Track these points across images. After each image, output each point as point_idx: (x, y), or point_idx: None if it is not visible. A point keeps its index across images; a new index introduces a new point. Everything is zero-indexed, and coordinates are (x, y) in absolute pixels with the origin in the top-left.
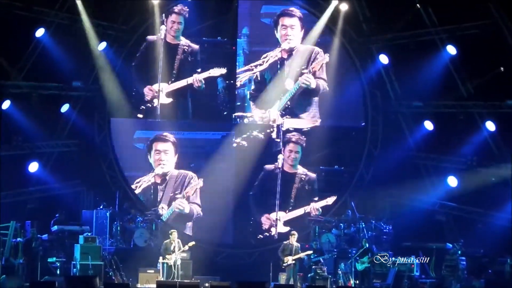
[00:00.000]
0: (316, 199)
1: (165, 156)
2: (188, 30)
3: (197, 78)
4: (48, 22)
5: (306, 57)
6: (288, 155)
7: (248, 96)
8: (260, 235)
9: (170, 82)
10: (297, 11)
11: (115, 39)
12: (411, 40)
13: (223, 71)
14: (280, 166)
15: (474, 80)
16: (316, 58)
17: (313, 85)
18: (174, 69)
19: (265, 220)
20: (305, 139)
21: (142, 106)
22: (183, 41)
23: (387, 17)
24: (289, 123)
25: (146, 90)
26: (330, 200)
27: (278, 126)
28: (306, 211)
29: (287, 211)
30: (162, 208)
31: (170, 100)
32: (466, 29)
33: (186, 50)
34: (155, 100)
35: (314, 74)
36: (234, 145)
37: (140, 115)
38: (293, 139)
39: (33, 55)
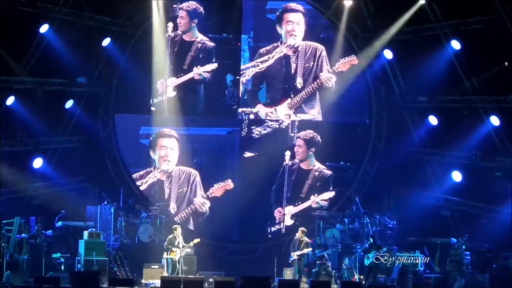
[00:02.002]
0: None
1: (171, 152)
2: (197, 26)
3: (196, 72)
4: (52, 18)
5: (312, 54)
6: (297, 150)
7: (250, 89)
8: (272, 227)
9: (178, 76)
10: (300, 7)
11: (119, 35)
12: (415, 35)
13: (214, 66)
14: (287, 162)
15: (479, 75)
16: (320, 55)
17: (332, 84)
18: (184, 65)
19: (277, 213)
20: (311, 135)
21: (155, 99)
22: (199, 37)
23: (391, 12)
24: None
25: (159, 84)
26: (326, 196)
27: (292, 121)
28: (307, 205)
29: (295, 205)
30: (170, 205)
31: (174, 93)
32: (471, 24)
33: (199, 47)
34: (164, 95)
35: (321, 70)
36: (242, 135)
37: (153, 108)
38: (297, 134)
39: (37, 51)
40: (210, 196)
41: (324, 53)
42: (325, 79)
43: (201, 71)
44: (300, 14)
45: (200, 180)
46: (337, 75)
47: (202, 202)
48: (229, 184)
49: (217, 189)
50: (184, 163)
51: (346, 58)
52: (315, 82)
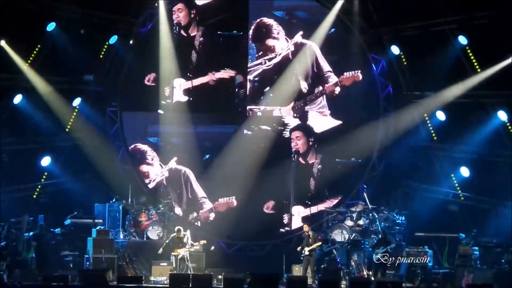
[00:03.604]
0: (328, 198)
1: (156, 162)
2: (203, 23)
3: (212, 78)
4: (59, 16)
5: (306, 53)
6: (296, 143)
7: (257, 86)
8: (281, 229)
9: (187, 78)
10: (268, 19)
11: (126, 32)
12: (422, 30)
13: (231, 73)
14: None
15: (486, 69)
16: (313, 53)
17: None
18: (191, 63)
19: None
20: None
21: (162, 101)
22: (198, 33)
23: (397, 8)
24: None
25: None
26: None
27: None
28: (319, 210)
29: (305, 205)
30: (175, 209)
31: (187, 98)
32: (477, 19)
33: (201, 42)
34: (172, 96)
35: (318, 67)
36: (249, 132)
37: (160, 111)
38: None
39: (45, 49)
40: (215, 211)
41: (316, 49)
42: (330, 91)
43: (217, 77)
44: (275, 24)
45: (194, 177)
46: (341, 88)
47: (207, 216)
48: (233, 201)
49: (221, 205)
50: (193, 161)
51: (351, 72)
52: (319, 89)
